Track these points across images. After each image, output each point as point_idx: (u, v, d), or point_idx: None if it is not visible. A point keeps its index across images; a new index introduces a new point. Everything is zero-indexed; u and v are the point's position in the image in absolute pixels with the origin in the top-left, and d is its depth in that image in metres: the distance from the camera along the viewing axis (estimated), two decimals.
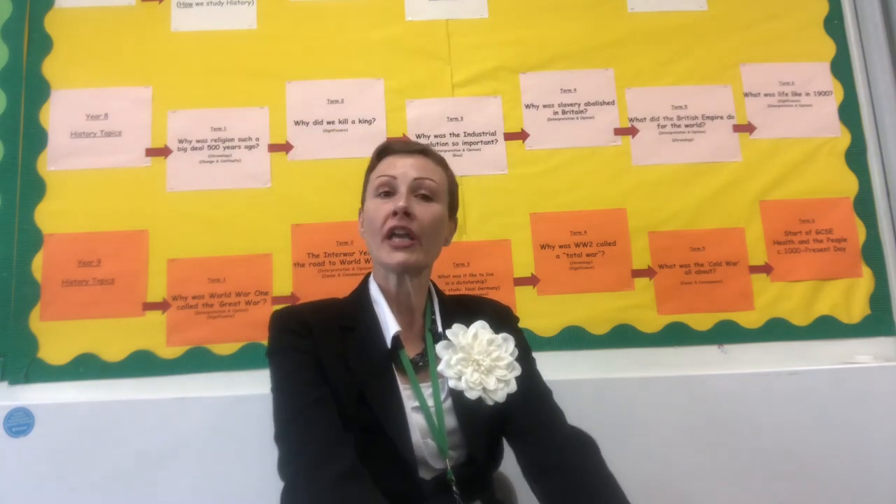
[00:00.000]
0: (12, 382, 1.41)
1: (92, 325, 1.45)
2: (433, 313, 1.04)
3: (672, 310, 1.55)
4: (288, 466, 0.86)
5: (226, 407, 1.38)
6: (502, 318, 1.06)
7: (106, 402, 1.38)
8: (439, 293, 1.09)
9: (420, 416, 0.94)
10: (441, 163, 1.06)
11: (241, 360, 1.46)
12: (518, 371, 0.97)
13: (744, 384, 1.46)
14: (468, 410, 0.94)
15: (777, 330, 1.55)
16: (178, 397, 1.40)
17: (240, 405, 1.38)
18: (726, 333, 1.54)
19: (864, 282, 1.59)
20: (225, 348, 1.46)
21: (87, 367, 1.43)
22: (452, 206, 1.07)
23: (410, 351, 1.00)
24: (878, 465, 1.43)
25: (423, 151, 1.04)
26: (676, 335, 1.54)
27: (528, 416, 0.96)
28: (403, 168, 0.99)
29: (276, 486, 0.87)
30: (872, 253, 1.61)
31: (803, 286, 1.58)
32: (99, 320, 1.45)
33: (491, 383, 0.94)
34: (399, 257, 0.96)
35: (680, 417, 1.44)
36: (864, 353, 1.54)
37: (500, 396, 0.94)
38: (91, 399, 1.40)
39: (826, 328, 1.56)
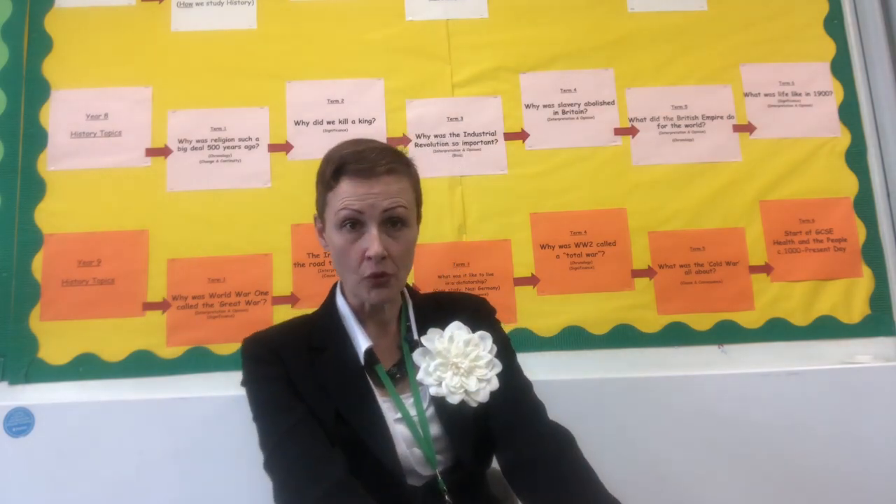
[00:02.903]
0: (12, 382, 1.41)
1: (92, 325, 1.45)
2: (408, 320, 1.01)
3: (672, 310, 1.55)
4: (280, 495, 0.86)
5: (226, 407, 1.38)
6: (478, 313, 1.03)
7: (106, 402, 1.39)
8: (413, 295, 1.05)
9: (404, 427, 0.92)
10: (407, 170, 0.95)
11: (241, 361, 1.45)
12: (499, 368, 0.96)
13: (744, 384, 1.46)
14: (452, 416, 0.93)
15: (777, 330, 1.55)
16: (178, 397, 1.40)
17: (240, 405, 1.36)
18: (726, 333, 1.54)
19: (864, 282, 1.59)
20: (225, 348, 1.46)
21: (87, 367, 1.43)
22: (419, 206, 0.99)
23: (386, 362, 0.97)
24: (878, 465, 1.43)
25: (390, 170, 0.90)
26: (676, 335, 1.54)
27: (507, 413, 0.95)
28: (371, 199, 0.89)
29: None
30: (872, 253, 1.60)
31: (803, 286, 1.58)
32: (99, 320, 1.45)
33: (472, 385, 0.93)
34: (378, 296, 0.93)
35: (680, 417, 1.44)
36: (864, 353, 1.54)
37: (483, 396, 0.93)
38: (91, 399, 1.40)
39: (826, 328, 1.56)
